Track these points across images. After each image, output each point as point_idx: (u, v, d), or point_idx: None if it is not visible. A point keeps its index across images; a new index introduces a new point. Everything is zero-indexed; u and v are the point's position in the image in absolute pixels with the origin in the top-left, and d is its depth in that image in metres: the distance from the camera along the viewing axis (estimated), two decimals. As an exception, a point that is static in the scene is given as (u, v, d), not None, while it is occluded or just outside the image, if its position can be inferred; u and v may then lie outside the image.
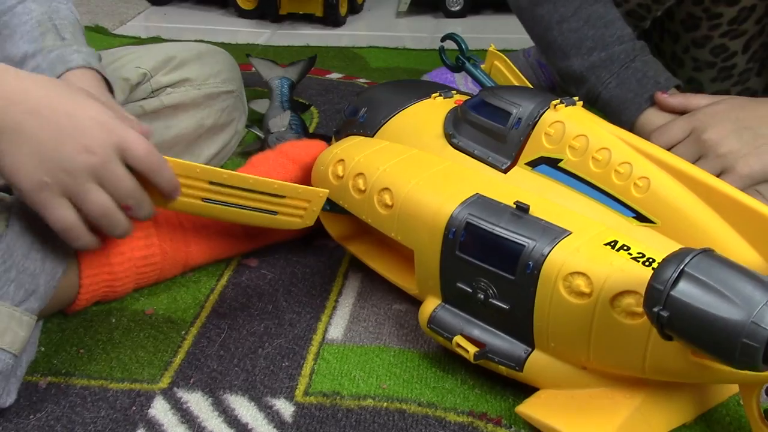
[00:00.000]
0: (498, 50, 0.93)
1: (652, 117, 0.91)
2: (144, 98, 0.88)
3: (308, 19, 1.83)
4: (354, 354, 0.75)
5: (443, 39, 0.98)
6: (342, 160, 0.80)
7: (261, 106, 1.20)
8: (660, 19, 1.16)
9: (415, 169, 0.76)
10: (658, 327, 0.55)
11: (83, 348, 0.76)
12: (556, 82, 1.24)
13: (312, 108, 1.30)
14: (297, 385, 0.71)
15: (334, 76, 1.46)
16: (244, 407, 0.69)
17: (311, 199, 0.75)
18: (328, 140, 1.12)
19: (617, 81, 0.93)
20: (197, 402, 0.69)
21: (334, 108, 1.30)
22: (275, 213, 0.75)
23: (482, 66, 0.94)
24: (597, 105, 0.94)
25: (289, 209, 0.76)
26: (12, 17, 0.83)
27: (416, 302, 0.81)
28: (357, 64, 1.53)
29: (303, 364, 0.74)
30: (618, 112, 0.92)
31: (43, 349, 0.75)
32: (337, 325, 0.79)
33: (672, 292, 0.53)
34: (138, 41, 1.72)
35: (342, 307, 0.82)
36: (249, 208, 0.74)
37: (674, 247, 0.65)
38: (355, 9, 1.90)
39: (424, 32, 1.78)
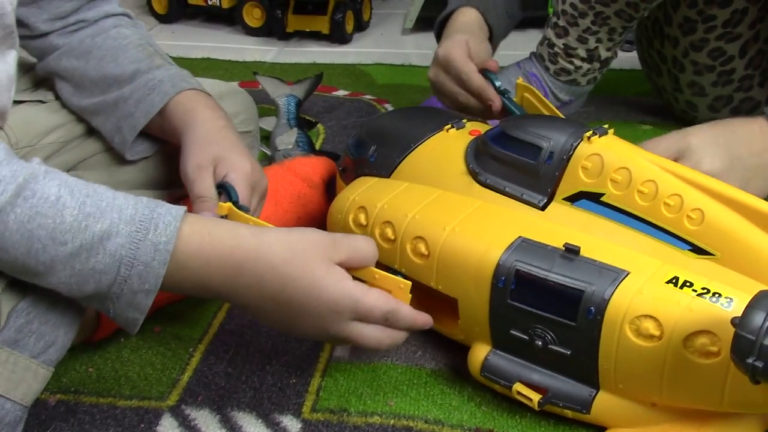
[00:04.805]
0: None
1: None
2: None
3: (315, 36, 1.84)
4: (361, 371, 0.75)
5: None
6: (363, 207, 0.77)
7: (268, 123, 1.21)
8: (660, 25, 1.18)
9: (447, 214, 0.73)
10: (750, 376, 0.53)
11: (92, 366, 0.76)
12: (548, 90, 1.25)
13: (318, 125, 1.30)
14: (304, 402, 0.71)
15: (341, 93, 1.47)
16: (251, 424, 0.69)
17: (392, 290, 0.66)
18: (335, 157, 1.13)
19: None
20: (205, 419, 0.70)
21: (341, 125, 1.31)
22: None
23: (514, 98, 0.96)
24: None
25: None
26: (106, 39, 0.85)
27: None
28: (363, 81, 1.54)
29: (310, 381, 0.74)
30: None
31: (52, 367, 0.75)
32: (344, 342, 0.79)
33: (766, 342, 0.51)
34: (146, 59, 1.73)
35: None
36: None
37: (738, 279, 0.64)
38: (361, 26, 1.91)
39: (430, 49, 1.77)
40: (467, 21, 1.09)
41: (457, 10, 1.10)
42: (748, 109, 1.22)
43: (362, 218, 0.77)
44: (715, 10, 1.11)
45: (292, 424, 0.69)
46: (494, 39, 1.12)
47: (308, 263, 0.62)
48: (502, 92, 0.97)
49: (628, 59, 1.55)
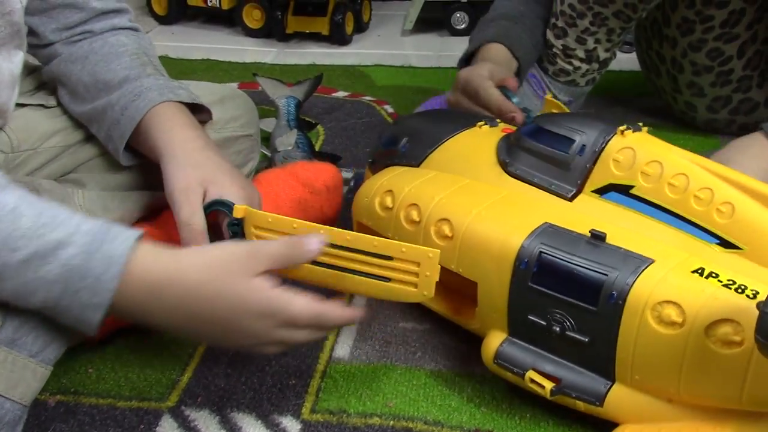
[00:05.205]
0: None
1: None
2: None
3: (315, 37, 1.84)
4: (360, 372, 0.75)
5: None
6: (390, 191, 0.77)
7: (268, 125, 1.21)
8: (658, 26, 1.19)
9: (474, 199, 0.73)
10: None
11: (92, 367, 0.76)
12: (547, 91, 1.25)
13: (318, 126, 1.30)
14: (304, 402, 0.72)
15: (340, 94, 1.47)
16: (251, 425, 0.69)
17: (420, 261, 0.65)
18: (335, 159, 1.13)
19: None
20: (204, 420, 0.70)
21: (340, 126, 1.31)
22: (387, 279, 0.66)
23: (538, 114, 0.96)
24: None
25: (400, 274, 0.66)
26: (103, 46, 0.85)
27: (423, 320, 0.81)
28: (363, 83, 1.54)
29: (310, 382, 0.74)
30: None
31: (51, 366, 0.75)
32: (343, 343, 0.79)
33: None
34: (146, 61, 1.73)
35: (348, 326, 0.82)
36: (355, 272, 0.66)
37: (765, 273, 0.63)
38: (361, 28, 1.91)
39: (429, 50, 1.79)
40: (494, 54, 1.10)
41: (484, 46, 1.11)
42: (746, 110, 1.23)
43: (388, 201, 0.77)
44: (712, 11, 1.12)
45: (292, 425, 0.69)
46: (522, 72, 1.13)
47: (227, 282, 0.62)
48: (521, 110, 0.98)
49: (627, 60, 1.55)
